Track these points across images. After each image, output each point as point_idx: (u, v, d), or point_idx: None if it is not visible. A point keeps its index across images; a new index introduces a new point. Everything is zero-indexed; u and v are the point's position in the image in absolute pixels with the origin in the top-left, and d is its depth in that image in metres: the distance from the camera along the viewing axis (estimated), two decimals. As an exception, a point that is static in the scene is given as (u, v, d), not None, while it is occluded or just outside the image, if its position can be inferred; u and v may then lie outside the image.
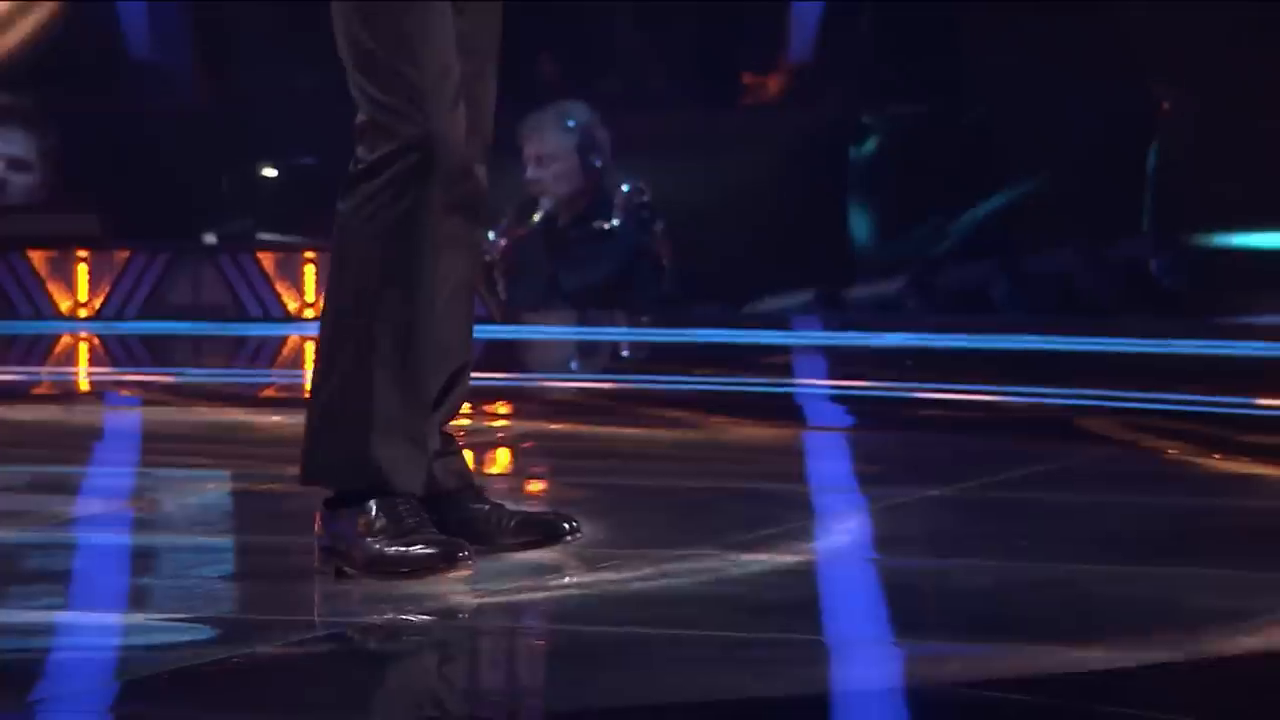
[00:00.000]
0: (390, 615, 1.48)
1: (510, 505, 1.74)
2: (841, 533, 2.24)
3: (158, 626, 1.51)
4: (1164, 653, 1.39)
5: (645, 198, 4.00)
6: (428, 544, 1.50)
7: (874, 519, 2.34)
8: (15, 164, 6.15)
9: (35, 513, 2.40)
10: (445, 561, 1.49)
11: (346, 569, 1.55)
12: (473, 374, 1.79)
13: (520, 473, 2.94)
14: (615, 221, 3.94)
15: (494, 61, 1.63)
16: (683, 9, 5.34)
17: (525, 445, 3.25)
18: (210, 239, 6.29)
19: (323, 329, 1.59)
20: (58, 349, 5.33)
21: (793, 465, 3.03)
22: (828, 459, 3.19)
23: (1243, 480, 2.79)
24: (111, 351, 5.46)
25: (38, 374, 4.80)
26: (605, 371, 4.09)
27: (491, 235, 4.10)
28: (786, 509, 2.34)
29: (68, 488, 2.66)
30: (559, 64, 5.05)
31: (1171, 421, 3.27)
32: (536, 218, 4.02)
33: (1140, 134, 4.79)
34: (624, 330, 4.20)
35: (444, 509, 1.58)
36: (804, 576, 1.84)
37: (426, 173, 1.49)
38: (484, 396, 3.30)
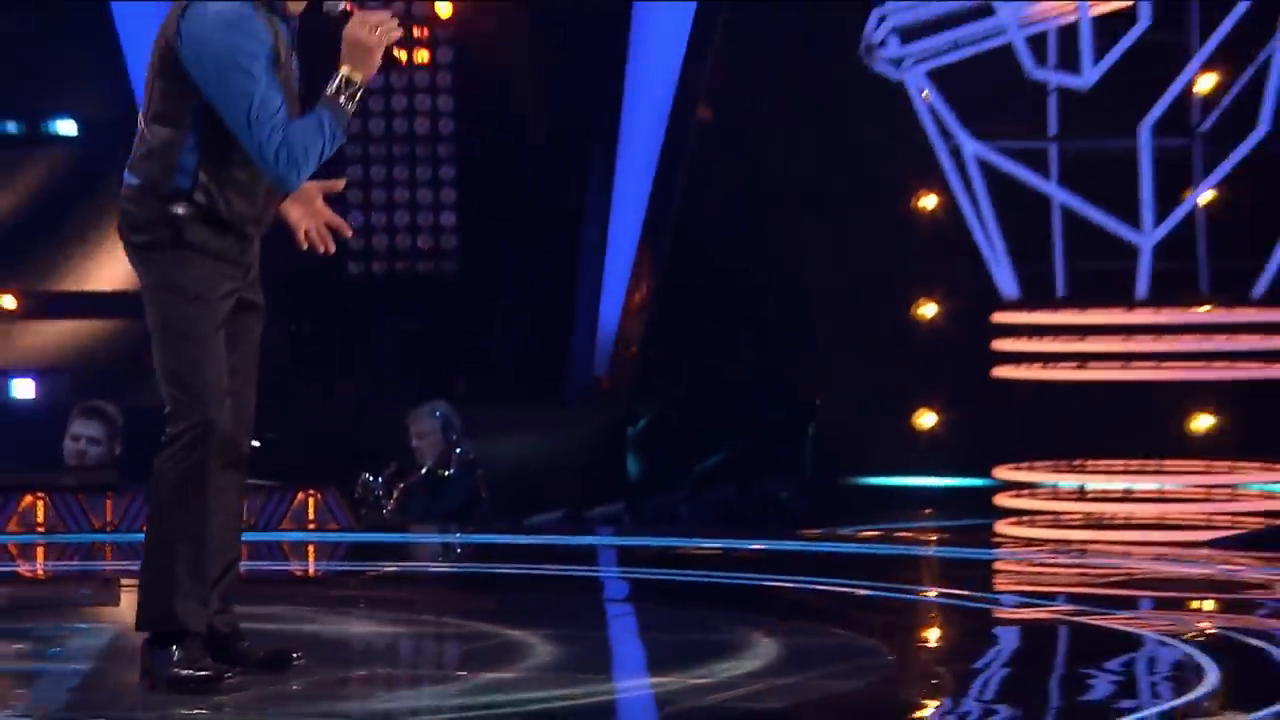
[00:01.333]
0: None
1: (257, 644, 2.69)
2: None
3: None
4: None
5: (473, 456, 6.34)
6: (205, 670, 2.34)
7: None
8: None
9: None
10: (216, 681, 2.36)
11: (159, 687, 2.41)
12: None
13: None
14: (452, 470, 6.36)
15: (254, 379, 2.52)
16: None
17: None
18: None
19: (146, 538, 2.49)
20: None
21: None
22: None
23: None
24: None
25: None
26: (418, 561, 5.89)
27: (375, 478, 6.18)
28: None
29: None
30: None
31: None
32: (423, 471, 6.36)
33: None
34: (456, 536, 6.07)
35: (218, 645, 2.48)
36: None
37: (205, 443, 2.37)
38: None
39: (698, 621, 3.53)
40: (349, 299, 7.66)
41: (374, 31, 2.34)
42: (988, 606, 4.21)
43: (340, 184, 2.87)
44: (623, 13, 7.32)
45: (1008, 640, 3.73)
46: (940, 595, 4.40)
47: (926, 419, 6.39)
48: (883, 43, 5.41)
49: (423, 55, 7.65)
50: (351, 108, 2.39)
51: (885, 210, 6.79)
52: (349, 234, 2.72)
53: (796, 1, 7.07)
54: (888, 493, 7.08)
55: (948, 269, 6.43)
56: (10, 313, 8.08)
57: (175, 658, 2.37)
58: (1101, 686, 2.72)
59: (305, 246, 2.60)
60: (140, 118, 2.36)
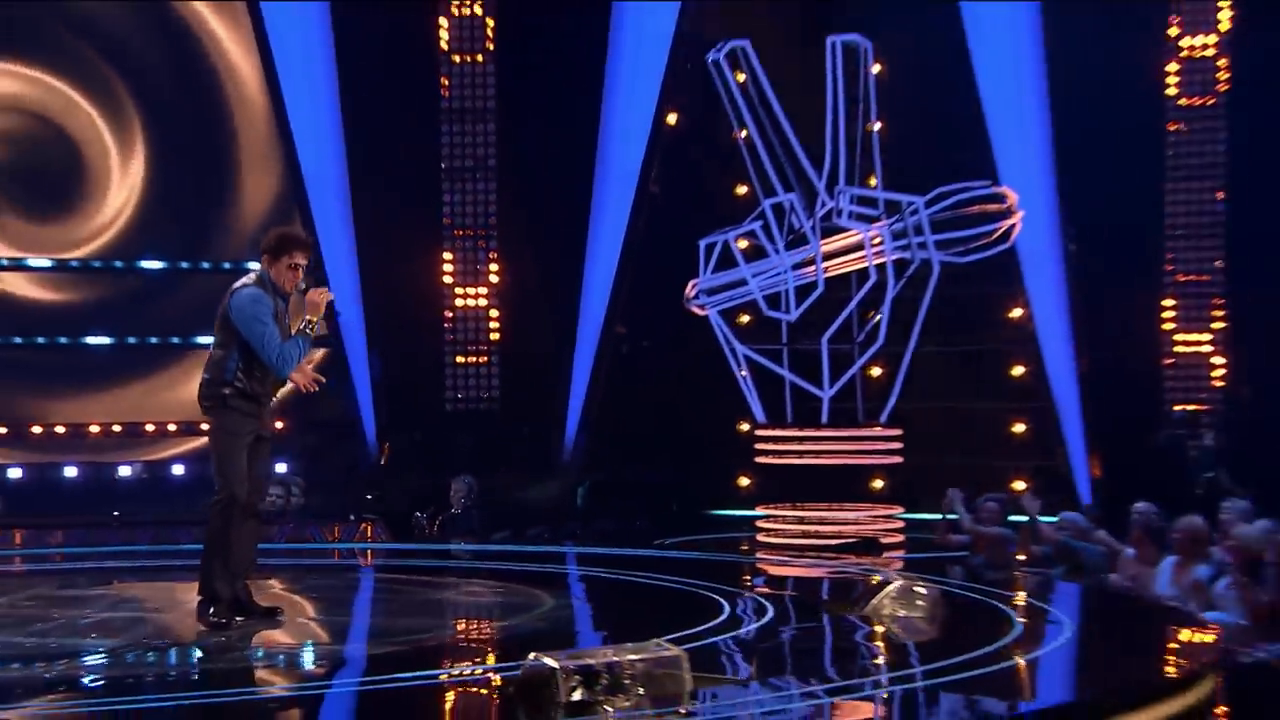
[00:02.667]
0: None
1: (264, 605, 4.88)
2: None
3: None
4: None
5: (475, 504, 9.54)
6: (225, 617, 4.57)
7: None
8: None
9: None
10: (230, 621, 4.54)
11: (203, 625, 4.60)
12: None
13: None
14: (465, 509, 9.48)
15: (268, 472, 4.95)
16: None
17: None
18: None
19: (202, 550, 4.72)
20: None
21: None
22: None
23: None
24: None
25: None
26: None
27: (421, 515, 9.85)
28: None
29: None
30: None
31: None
32: (453, 510, 9.46)
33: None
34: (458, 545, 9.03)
35: (238, 605, 4.64)
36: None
37: (230, 505, 4.55)
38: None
39: (509, 591, 6.22)
40: (444, 422, 12.65)
41: (322, 298, 4.71)
42: (656, 583, 6.68)
43: (312, 380, 5.11)
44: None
45: (638, 601, 6.17)
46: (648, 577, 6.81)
47: (743, 480, 10.85)
48: (696, 296, 9.78)
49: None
50: (313, 334, 4.74)
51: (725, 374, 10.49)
52: (317, 388, 5.10)
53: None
54: (721, 520, 11.16)
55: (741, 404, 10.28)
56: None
57: (211, 610, 4.62)
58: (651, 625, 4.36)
59: (304, 391, 5.05)
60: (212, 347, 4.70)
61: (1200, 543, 6.83)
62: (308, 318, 4.87)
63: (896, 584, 5.15)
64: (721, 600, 5.61)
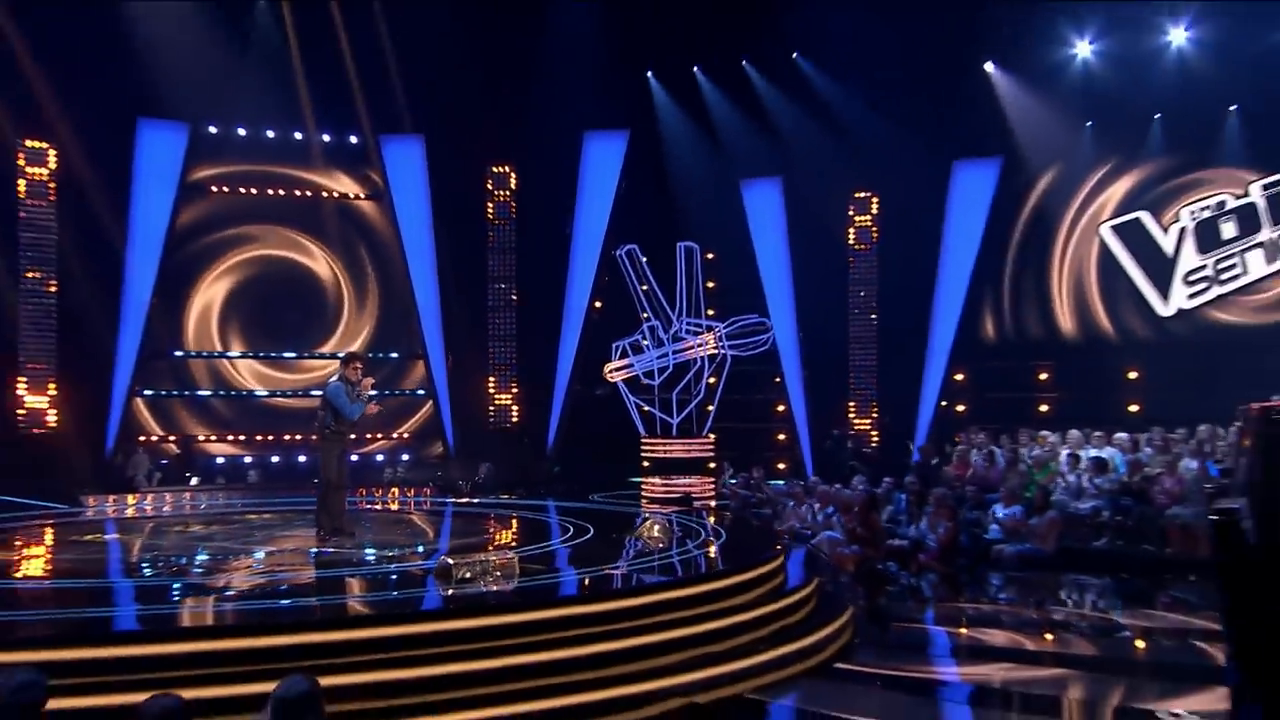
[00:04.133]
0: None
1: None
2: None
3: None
4: None
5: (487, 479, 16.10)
6: (329, 537, 9.55)
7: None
8: None
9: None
10: (350, 537, 9.66)
11: (317, 541, 9.68)
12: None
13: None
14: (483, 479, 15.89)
15: (348, 463, 10.16)
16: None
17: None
18: None
19: (316, 507, 9.93)
20: None
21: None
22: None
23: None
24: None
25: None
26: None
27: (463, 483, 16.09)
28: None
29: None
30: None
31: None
32: (477, 479, 15.97)
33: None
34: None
35: (335, 532, 9.61)
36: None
37: (327, 485, 9.75)
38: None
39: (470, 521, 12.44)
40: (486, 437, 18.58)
41: (365, 387, 9.49)
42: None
43: (374, 408, 10.23)
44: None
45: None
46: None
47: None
48: (609, 372, 16.64)
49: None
50: (365, 400, 9.56)
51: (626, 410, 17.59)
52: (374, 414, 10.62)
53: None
54: (628, 485, 16.51)
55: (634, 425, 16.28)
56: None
57: (320, 532, 9.54)
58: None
59: (370, 417, 10.16)
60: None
61: (828, 497, 13.32)
62: (359, 393, 9.37)
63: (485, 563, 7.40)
64: (574, 526, 10.71)
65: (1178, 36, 15.64)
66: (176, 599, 7.70)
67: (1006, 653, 8.48)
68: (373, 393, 10.01)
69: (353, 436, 10.27)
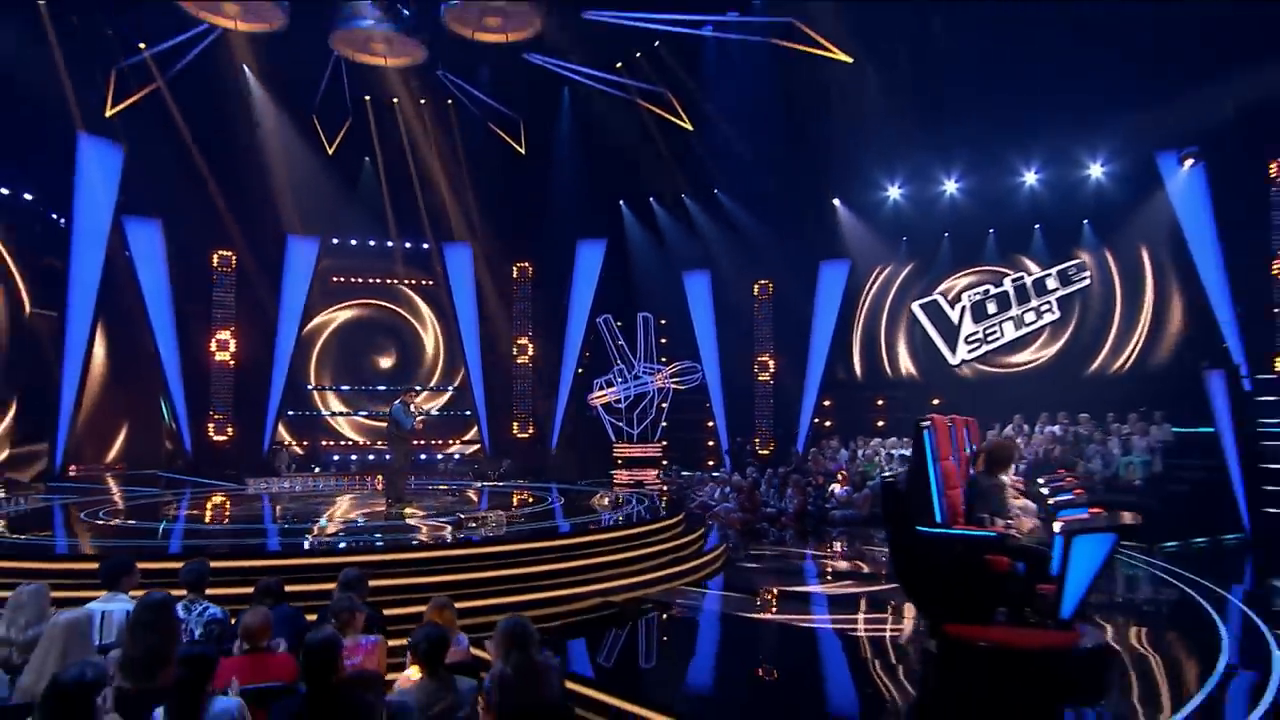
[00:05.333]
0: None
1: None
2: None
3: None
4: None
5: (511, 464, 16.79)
6: (394, 506, 10.31)
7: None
8: None
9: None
10: (403, 507, 10.27)
11: (386, 509, 10.45)
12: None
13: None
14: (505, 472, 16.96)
15: (410, 459, 11.54)
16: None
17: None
18: None
19: (384, 484, 11.30)
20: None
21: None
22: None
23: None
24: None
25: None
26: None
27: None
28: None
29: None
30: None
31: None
32: (503, 470, 17.08)
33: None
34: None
35: (398, 503, 10.34)
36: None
37: (396, 469, 10.74)
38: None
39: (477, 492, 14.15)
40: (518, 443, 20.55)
41: (417, 406, 10.21)
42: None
43: (421, 422, 10.97)
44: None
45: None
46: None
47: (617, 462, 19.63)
48: (592, 401, 17.98)
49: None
50: (414, 416, 10.23)
51: (602, 426, 19.13)
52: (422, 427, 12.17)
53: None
54: (606, 475, 18.47)
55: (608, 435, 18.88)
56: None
57: (389, 502, 10.28)
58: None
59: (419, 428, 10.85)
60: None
61: (725, 481, 14.89)
62: (414, 412, 10.06)
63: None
64: (557, 496, 12.43)
65: (950, 186, 16.82)
66: (300, 535, 8.91)
67: (819, 574, 9.41)
68: (420, 415, 11.07)
69: (418, 442, 11.09)
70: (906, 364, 17.73)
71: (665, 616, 7.33)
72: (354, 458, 19.01)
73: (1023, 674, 5.26)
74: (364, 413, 19.45)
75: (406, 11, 13.54)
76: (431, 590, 6.18)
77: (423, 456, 18.77)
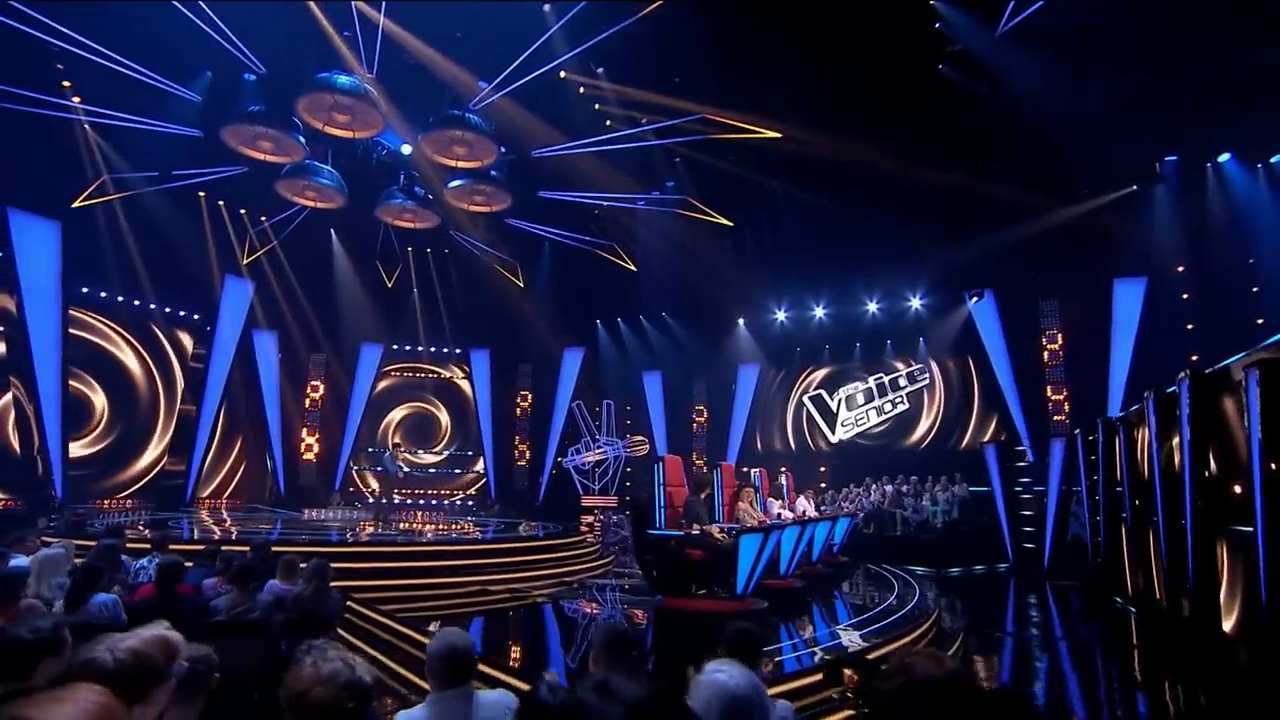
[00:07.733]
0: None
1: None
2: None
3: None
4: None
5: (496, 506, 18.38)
6: (388, 523, 13.48)
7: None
8: None
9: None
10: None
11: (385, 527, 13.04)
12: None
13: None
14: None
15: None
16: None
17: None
18: None
19: None
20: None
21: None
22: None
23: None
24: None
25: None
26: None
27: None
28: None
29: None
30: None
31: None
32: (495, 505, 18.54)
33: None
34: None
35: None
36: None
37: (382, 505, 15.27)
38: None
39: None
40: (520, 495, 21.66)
41: (394, 462, 14.30)
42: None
43: (403, 473, 15.55)
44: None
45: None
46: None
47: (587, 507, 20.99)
48: (564, 463, 19.78)
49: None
50: (396, 464, 15.19)
51: (572, 481, 20.99)
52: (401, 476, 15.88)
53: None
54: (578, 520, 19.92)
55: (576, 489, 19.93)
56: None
57: (376, 519, 13.38)
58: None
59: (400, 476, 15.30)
60: None
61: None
62: (397, 462, 14.34)
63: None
64: (539, 529, 14.15)
65: (819, 311, 18.71)
66: (348, 541, 10.17)
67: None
68: (401, 463, 12.85)
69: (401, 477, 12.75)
70: (802, 439, 18.97)
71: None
72: (384, 500, 20.70)
73: (711, 628, 6.90)
74: (406, 469, 20.61)
75: (419, 189, 16.18)
76: (416, 574, 7.96)
77: (433, 502, 20.82)
